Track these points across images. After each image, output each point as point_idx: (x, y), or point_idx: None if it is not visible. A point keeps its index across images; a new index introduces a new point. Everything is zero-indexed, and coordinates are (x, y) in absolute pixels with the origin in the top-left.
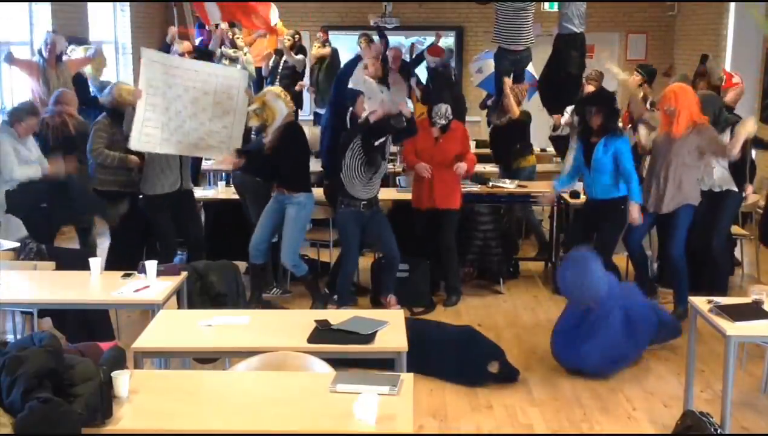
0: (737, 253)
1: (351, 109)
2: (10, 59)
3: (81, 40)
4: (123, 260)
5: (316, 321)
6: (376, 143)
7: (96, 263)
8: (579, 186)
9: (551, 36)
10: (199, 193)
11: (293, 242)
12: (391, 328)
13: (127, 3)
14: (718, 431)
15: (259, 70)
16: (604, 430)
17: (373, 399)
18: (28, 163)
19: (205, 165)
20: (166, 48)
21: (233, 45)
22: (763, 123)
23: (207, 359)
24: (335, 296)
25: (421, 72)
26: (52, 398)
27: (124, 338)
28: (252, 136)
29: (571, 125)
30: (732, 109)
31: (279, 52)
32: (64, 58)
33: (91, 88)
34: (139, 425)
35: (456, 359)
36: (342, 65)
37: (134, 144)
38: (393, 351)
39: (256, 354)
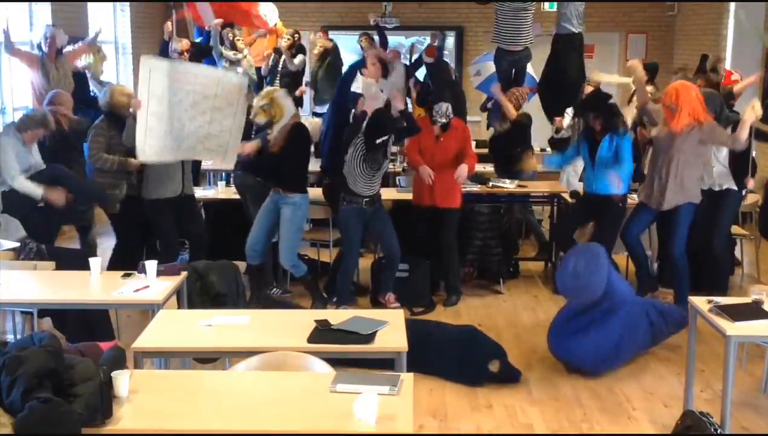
0: (737, 253)
1: (353, 110)
2: (11, 49)
3: (81, 41)
4: (126, 262)
5: (316, 321)
6: (379, 141)
7: (96, 262)
8: (579, 186)
9: (551, 36)
10: (199, 193)
11: (291, 242)
12: (391, 328)
13: (127, 3)
14: (718, 431)
15: (258, 70)
16: (604, 430)
17: (373, 399)
18: (27, 168)
19: (205, 165)
20: (164, 46)
21: (233, 46)
22: (764, 123)
23: (207, 359)
24: (334, 298)
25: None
26: (52, 398)
27: (124, 338)
28: (251, 135)
29: (573, 127)
30: (732, 106)
31: (279, 52)
32: (65, 51)
33: (92, 88)
34: (139, 425)
35: (457, 359)
36: (341, 62)
37: (142, 157)
38: (393, 351)
39: (256, 354)
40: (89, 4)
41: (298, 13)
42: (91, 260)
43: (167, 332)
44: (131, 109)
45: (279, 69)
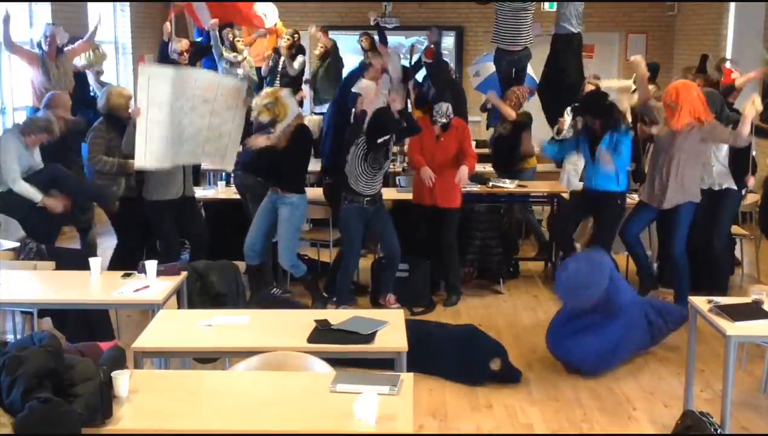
0: (737, 252)
1: (354, 110)
2: (11, 46)
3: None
4: (127, 262)
5: (316, 321)
6: (380, 141)
7: (96, 262)
8: (580, 186)
9: (551, 36)
10: (199, 193)
11: (289, 242)
12: (391, 328)
13: (127, 3)
14: (718, 431)
15: (259, 70)
16: (604, 430)
17: (373, 399)
18: (27, 169)
19: (205, 165)
20: (164, 46)
21: (233, 47)
22: (764, 123)
23: (207, 359)
24: (334, 298)
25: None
26: (52, 398)
27: (124, 338)
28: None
29: (574, 127)
30: (733, 104)
31: (278, 52)
32: (65, 50)
33: (92, 87)
34: (139, 425)
35: (458, 357)
36: (342, 64)
37: (141, 163)
38: (393, 351)
39: (256, 354)
40: (89, 4)
41: (298, 13)
42: (91, 260)
43: (167, 332)
44: (130, 110)
45: (279, 70)
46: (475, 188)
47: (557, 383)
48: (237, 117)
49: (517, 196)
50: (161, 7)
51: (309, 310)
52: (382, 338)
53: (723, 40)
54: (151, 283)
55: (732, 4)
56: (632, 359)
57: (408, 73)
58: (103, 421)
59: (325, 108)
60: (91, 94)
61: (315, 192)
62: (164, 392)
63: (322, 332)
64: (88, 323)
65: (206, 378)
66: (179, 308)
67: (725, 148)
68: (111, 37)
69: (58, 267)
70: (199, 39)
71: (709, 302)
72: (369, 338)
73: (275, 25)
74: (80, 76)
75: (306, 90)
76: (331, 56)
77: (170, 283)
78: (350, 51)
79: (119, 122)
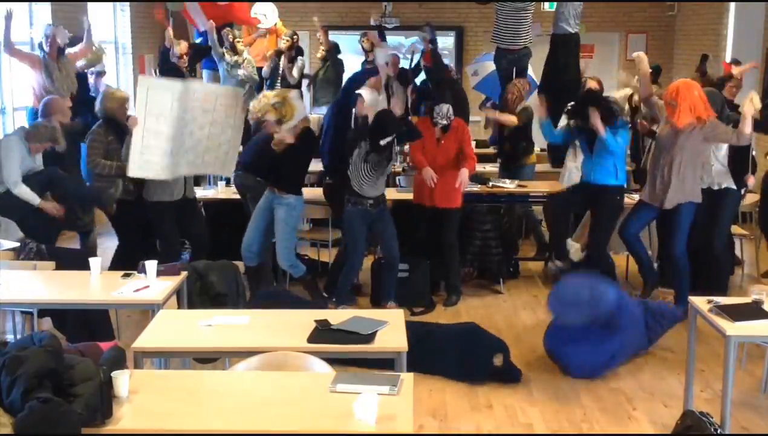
0: (737, 252)
1: (354, 110)
2: (11, 49)
3: (81, 41)
4: (128, 263)
5: (316, 321)
6: (383, 142)
7: (96, 262)
8: None
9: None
10: (199, 193)
11: (287, 243)
12: (391, 328)
13: (127, 3)
14: (718, 431)
15: (259, 70)
16: (604, 430)
17: (373, 399)
18: (27, 171)
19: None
20: (165, 51)
21: (233, 48)
22: (763, 121)
23: (207, 359)
24: (334, 299)
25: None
26: (52, 398)
27: (124, 338)
28: (250, 136)
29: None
30: (731, 103)
31: (279, 53)
32: (66, 53)
33: (92, 89)
34: (139, 425)
35: (459, 354)
36: (342, 68)
37: (133, 171)
38: (393, 351)
39: (256, 354)
40: (89, 4)
41: (298, 13)
42: (91, 260)
43: (167, 332)
44: (128, 114)
45: (279, 71)
46: (475, 188)
47: (557, 383)
48: (236, 125)
49: (517, 196)
50: (161, 8)
51: (309, 310)
52: (382, 338)
53: (723, 40)
54: (151, 283)
55: (732, 4)
56: (632, 358)
57: (408, 76)
58: (103, 421)
59: (323, 109)
60: (92, 94)
61: (315, 192)
62: (164, 392)
63: (322, 332)
64: (88, 323)
65: (206, 378)
66: (179, 308)
67: (725, 147)
68: (111, 37)
69: (58, 267)
70: (199, 40)
71: (709, 302)
72: (369, 338)
73: (275, 25)
74: (81, 77)
75: (305, 90)
76: (331, 59)
77: (170, 283)
78: (350, 51)
79: (117, 125)
